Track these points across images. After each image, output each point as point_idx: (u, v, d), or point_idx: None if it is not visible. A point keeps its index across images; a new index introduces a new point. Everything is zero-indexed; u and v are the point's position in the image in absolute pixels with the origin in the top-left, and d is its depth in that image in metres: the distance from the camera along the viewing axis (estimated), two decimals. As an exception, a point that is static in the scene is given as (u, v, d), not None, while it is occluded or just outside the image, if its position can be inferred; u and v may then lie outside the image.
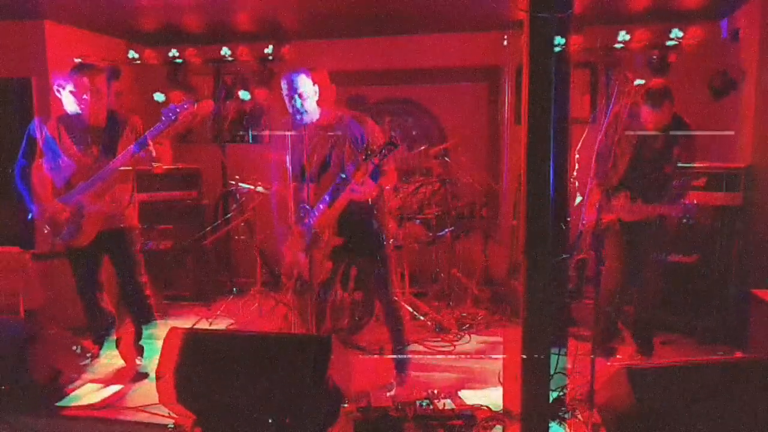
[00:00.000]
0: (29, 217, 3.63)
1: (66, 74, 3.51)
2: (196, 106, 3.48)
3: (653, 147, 3.63)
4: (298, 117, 3.18)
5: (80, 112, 3.51)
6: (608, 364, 3.63)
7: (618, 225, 3.63)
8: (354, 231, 3.27)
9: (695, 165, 4.25)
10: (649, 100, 3.49)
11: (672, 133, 3.63)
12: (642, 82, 4.81)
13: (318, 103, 3.24)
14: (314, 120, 3.24)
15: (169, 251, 5.34)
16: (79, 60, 4.88)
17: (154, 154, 3.52)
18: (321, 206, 3.15)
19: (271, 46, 5.63)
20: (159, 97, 5.87)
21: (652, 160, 3.63)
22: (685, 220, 3.48)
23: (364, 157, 2.99)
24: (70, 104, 3.51)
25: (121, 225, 3.63)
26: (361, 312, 4.33)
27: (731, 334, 3.99)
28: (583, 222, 3.49)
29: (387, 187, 3.41)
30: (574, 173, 3.89)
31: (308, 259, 3.21)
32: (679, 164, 3.71)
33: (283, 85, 3.19)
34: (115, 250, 3.68)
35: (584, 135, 3.45)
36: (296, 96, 3.14)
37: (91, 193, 3.51)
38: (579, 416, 2.87)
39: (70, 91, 3.47)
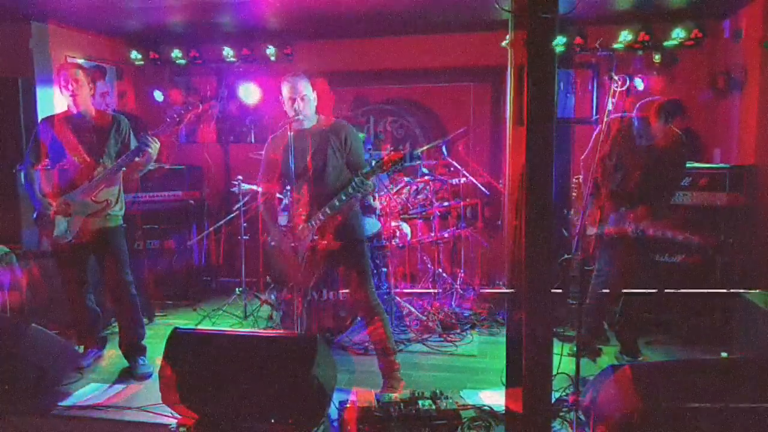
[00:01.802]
0: (34, 216, 3.65)
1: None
2: (200, 108, 3.50)
3: (654, 161, 3.63)
4: (297, 120, 3.21)
5: (71, 107, 3.56)
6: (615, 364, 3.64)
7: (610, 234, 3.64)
8: (343, 233, 3.29)
9: (697, 165, 4.26)
10: (662, 114, 3.48)
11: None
12: (640, 82, 4.85)
13: (316, 109, 3.30)
14: (312, 124, 3.29)
15: (173, 250, 5.35)
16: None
17: (156, 154, 3.55)
18: (328, 210, 3.18)
19: (273, 47, 5.64)
20: (160, 97, 5.89)
21: (654, 174, 3.64)
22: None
23: (376, 166, 3.07)
24: (66, 101, 3.58)
25: (108, 224, 3.65)
26: (347, 312, 4.31)
27: (718, 334, 3.98)
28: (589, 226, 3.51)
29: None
30: (580, 177, 3.90)
31: (303, 261, 3.24)
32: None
33: (284, 88, 3.23)
34: (101, 249, 3.69)
35: (592, 142, 3.46)
36: (297, 99, 3.18)
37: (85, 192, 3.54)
38: (581, 416, 2.87)
39: (61, 88, 3.53)
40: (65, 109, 3.66)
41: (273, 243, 3.35)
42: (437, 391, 3.04)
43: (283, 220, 3.33)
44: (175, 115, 3.44)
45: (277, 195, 3.52)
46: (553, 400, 2.84)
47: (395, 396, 3.02)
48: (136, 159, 3.50)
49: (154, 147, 3.51)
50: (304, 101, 3.19)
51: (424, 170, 4.95)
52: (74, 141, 3.55)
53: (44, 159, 3.66)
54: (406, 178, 4.89)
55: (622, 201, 3.62)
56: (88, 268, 3.78)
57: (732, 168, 4.20)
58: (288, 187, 3.33)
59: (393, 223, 4.52)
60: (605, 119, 3.07)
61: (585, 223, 3.54)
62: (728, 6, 4.62)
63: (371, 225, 4.41)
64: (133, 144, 3.59)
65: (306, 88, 3.20)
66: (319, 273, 3.41)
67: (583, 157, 3.80)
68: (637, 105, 3.57)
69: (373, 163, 3.14)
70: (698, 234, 3.60)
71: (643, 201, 3.60)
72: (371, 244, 4.40)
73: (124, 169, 3.61)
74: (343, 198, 3.15)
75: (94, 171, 3.54)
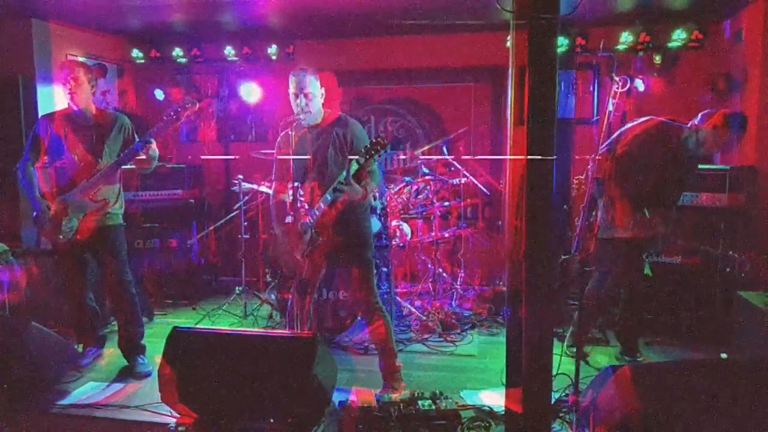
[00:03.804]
0: (33, 215, 3.65)
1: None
2: (197, 106, 3.49)
3: (689, 170, 3.62)
4: (302, 116, 3.18)
5: (71, 105, 3.55)
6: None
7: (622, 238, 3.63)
8: (344, 231, 3.26)
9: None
10: (733, 126, 3.39)
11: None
12: (641, 83, 4.85)
13: (323, 105, 3.26)
14: (317, 120, 3.25)
15: (172, 250, 5.35)
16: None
17: (156, 153, 3.54)
18: (322, 206, 3.15)
19: (274, 46, 5.65)
20: (161, 95, 5.90)
21: (679, 180, 3.64)
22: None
23: (354, 156, 3.02)
24: (66, 99, 3.56)
25: (107, 223, 3.64)
26: (347, 311, 4.30)
27: (717, 335, 3.98)
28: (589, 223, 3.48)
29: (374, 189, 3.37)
30: (581, 177, 3.88)
31: (304, 259, 3.22)
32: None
33: (291, 82, 3.18)
34: (100, 248, 3.68)
35: (602, 145, 3.45)
36: (302, 95, 3.14)
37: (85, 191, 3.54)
38: (581, 417, 2.87)
39: (62, 85, 3.53)
40: (66, 106, 3.65)
41: (279, 240, 3.33)
42: (437, 392, 3.04)
43: (289, 218, 3.30)
44: (172, 113, 3.43)
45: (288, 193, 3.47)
46: (552, 401, 2.84)
47: (395, 396, 3.02)
48: (141, 155, 3.48)
49: (155, 146, 3.51)
50: (308, 98, 3.14)
51: (425, 170, 4.95)
52: (73, 139, 3.55)
53: (43, 156, 3.66)
54: (406, 178, 4.89)
55: (641, 206, 3.57)
56: (87, 267, 3.78)
57: (732, 169, 4.20)
58: (292, 185, 3.30)
59: (393, 223, 4.51)
60: (606, 119, 3.06)
61: (609, 222, 3.53)
62: (729, 7, 4.63)
63: (373, 225, 4.42)
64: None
65: (312, 85, 3.15)
66: (324, 270, 3.39)
67: (597, 156, 3.71)
68: (700, 116, 3.48)
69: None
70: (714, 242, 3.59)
71: (660, 206, 3.58)
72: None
73: (132, 166, 3.61)
74: (328, 198, 3.09)
75: (93, 169, 3.54)
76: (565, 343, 3.79)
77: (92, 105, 3.63)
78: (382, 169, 4.95)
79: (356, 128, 3.27)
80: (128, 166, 3.64)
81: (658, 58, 5.02)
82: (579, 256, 3.02)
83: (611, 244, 3.60)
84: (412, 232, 4.81)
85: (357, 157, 3.01)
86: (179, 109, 3.43)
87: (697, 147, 3.49)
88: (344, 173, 3.02)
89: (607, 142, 3.64)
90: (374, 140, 2.98)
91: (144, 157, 3.53)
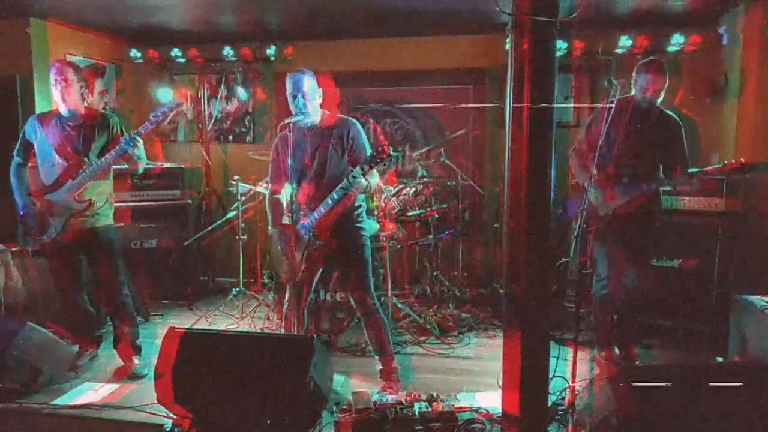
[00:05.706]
0: (21, 213, 3.63)
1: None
2: (183, 106, 3.50)
3: (641, 127, 3.64)
4: (300, 117, 3.18)
5: (60, 105, 3.53)
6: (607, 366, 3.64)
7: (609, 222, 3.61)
8: (341, 234, 3.27)
9: (695, 170, 4.26)
10: (651, 68, 3.65)
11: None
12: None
13: (320, 105, 3.26)
14: (315, 122, 3.25)
15: (169, 250, 5.34)
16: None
17: (143, 152, 3.54)
18: (323, 209, 3.15)
19: (273, 47, 5.65)
20: (160, 96, 5.89)
21: (639, 143, 3.63)
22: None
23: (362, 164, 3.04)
24: (56, 99, 3.55)
25: (96, 224, 3.63)
26: (345, 312, 4.30)
27: (714, 339, 3.97)
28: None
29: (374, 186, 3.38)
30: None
31: (301, 260, 3.22)
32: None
33: (288, 84, 3.19)
34: (91, 249, 3.67)
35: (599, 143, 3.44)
36: (299, 96, 3.14)
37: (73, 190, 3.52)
38: (577, 420, 2.87)
39: (52, 85, 3.52)
40: (57, 107, 3.61)
41: (277, 242, 3.33)
42: (434, 394, 3.03)
43: (286, 219, 3.30)
44: (159, 114, 3.43)
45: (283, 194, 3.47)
46: (549, 404, 2.84)
47: (392, 398, 3.02)
48: (132, 154, 3.47)
49: (141, 146, 3.50)
50: (306, 99, 3.15)
51: (423, 172, 4.94)
52: (61, 139, 3.53)
53: (33, 157, 3.64)
54: (404, 180, 4.89)
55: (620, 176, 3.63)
56: (80, 268, 3.76)
57: (730, 172, 4.20)
58: (289, 187, 3.30)
59: (391, 225, 4.51)
60: (604, 123, 3.06)
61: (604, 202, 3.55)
62: (726, 11, 4.64)
63: (370, 226, 4.41)
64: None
65: (309, 85, 3.16)
66: (320, 271, 3.39)
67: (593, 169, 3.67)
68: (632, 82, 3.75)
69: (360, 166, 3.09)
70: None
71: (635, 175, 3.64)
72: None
73: (124, 166, 3.58)
74: (335, 197, 3.11)
75: (79, 169, 3.51)
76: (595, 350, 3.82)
77: (81, 105, 3.59)
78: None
79: (356, 129, 3.27)
80: (120, 166, 3.62)
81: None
82: (578, 259, 3.02)
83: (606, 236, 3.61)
84: (410, 234, 4.80)
85: (361, 166, 3.03)
86: (166, 111, 3.44)
87: (648, 105, 3.64)
88: (349, 178, 3.05)
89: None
90: (377, 150, 2.99)
91: (131, 156, 3.50)
